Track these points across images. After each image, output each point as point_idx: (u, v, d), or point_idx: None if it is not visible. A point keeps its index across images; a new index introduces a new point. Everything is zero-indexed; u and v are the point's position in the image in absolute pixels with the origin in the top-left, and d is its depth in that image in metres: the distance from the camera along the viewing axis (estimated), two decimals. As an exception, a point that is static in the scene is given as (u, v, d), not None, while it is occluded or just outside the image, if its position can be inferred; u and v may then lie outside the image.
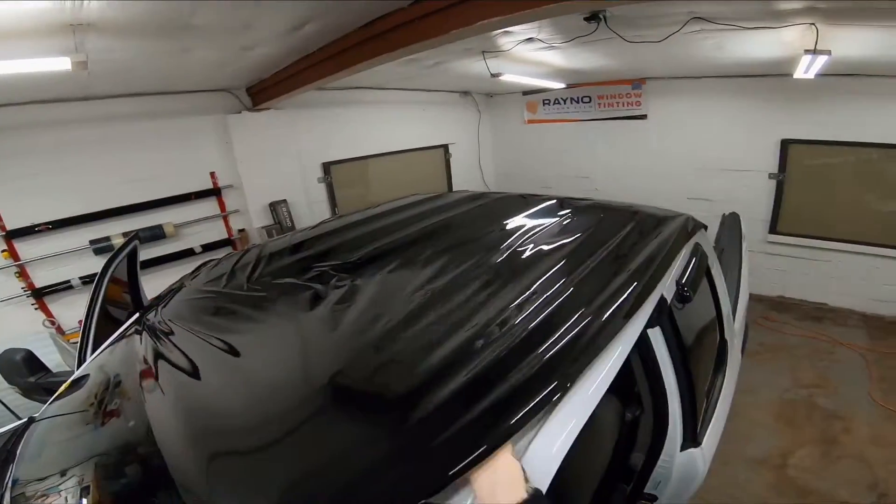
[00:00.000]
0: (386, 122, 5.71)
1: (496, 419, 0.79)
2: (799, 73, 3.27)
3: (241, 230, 4.58)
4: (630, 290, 1.18)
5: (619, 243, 1.47)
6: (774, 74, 4.22)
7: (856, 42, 2.93)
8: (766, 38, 2.95)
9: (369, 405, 0.97)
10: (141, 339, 1.47)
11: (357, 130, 5.43)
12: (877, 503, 2.50)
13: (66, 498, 1.10)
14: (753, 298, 3.58)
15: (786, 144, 4.55)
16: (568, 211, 1.87)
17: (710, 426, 1.61)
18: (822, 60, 2.90)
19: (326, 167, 5.25)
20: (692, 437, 1.47)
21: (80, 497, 1.08)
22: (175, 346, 1.32)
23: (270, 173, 4.57)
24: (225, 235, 4.51)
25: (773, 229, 4.87)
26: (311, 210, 4.97)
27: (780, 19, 2.59)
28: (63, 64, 2.14)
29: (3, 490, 1.23)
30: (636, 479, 1.48)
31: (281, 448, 0.89)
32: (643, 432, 1.47)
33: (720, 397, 1.75)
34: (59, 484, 1.16)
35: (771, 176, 4.72)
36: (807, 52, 2.79)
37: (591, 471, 1.40)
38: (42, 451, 1.40)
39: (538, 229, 1.68)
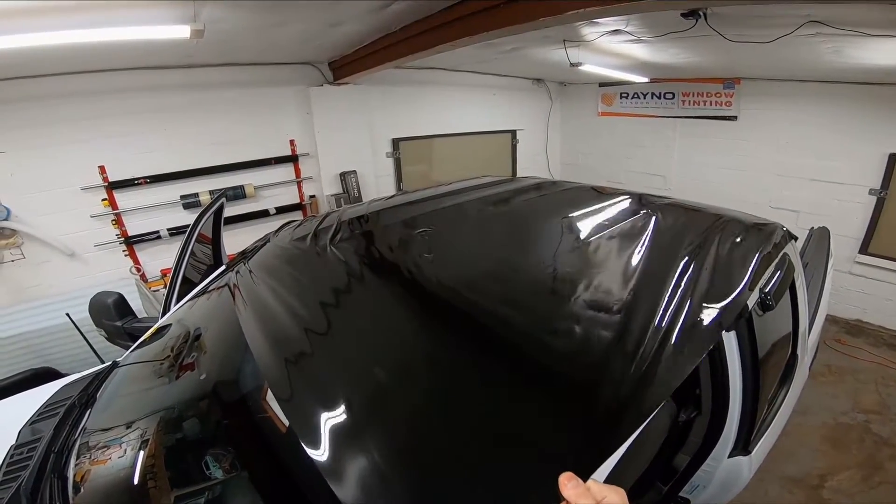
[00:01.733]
0: (456, 103, 5.73)
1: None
2: (923, 84, 2.93)
3: (312, 196, 4.83)
4: (717, 296, 1.18)
5: (703, 249, 1.41)
6: (893, 83, 3.81)
7: None
8: (893, 46, 2.66)
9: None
10: (235, 292, 1.47)
11: (427, 109, 5.51)
12: None
13: (125, 450, 1.15)
14: (829, 319, 3.41)
15: (894, 159, 4.10)
16: (647, 209, 1.78)
17: (764, 437, 1.55)
18: (952, 69, 2.59)
19: (395, 143, 5.38)
20: (744, 445, 1.43)
21: (139, 450, 1.13)
22: (280, 298, 1.31)
23: (344, 144, 4.76)
24: (297, 200, 4.77)
25: (864, 249, 4.45)
26: (377, 182, 5.15)
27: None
28: (183, 32, 2.27)
29: (76, 436, 1.29)
30: (675, 480, 1.45)
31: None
32: (695, 434, 1.44)
33: (779, 410, 1.69)
34: (123, 436, 1.21)
35: (871, 192, 4.29)
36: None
37: (633, 467, 1.38)
38: (117, 399, 1.46)
39: (615, 226, 1.64)
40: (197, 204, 4.01)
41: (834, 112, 4.38)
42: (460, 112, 5.83)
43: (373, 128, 5.04)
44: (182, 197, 4.02)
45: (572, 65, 3.92)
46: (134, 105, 3.69)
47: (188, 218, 3.91)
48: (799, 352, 1.86)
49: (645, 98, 5.81)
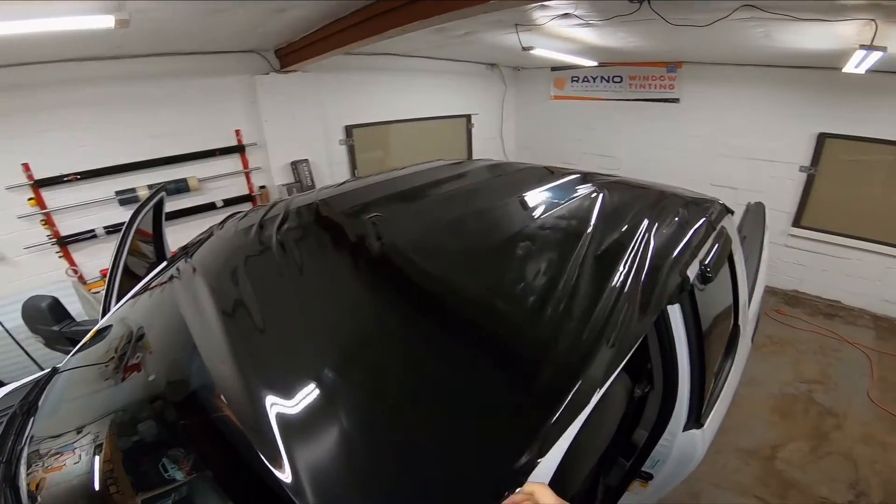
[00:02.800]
0: (410, 89, 5.65)
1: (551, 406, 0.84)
2: (849, 68, 3.14)
3: (262, 187, 4.65)
4: (659, 270, 1.21)
5: (647, 223, 1.45)
6: (820, 67, 4.07)
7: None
8: (820, 31, 2.83)
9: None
10: (177, 289, 1.42)
11: (381, 96, 5.40)
12: (854, 501, 2.55)
13: (79, 455, 1.11)
14: (768, 291, 3.56)
15: (822, 138, 4.41)
16: (594, 186, 1.82)
17: (714, 410, 1.62)
18: (875, 56, 2.78)
19: (349, 130, 5.25)
20: (696, 419, 1.49)
21: (94, 454, 1.08)
22: (222, 292, 1.27)
23: (294, 133, 4.59)
24: (246, 191, 4.57)
25: (797, 222, 4.80)
26: (331, 170, 5.01)
27: (838, 13, 2.47)
28: (106, 22, 2.15)
29: (22, 445, 1.23)
30: (637, 455, 1.51)
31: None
32: (650, 409, 1.49)
33: (726, 382, 1.77)
34: (74, 441, 1.15)
35: (802, 169, 4.61)
36: (862, 47, 2.67)
37: (594, 445, 1.43)
38: (61, 405, 1.39)
39: (565, 202, 1.67)
40: (135, 199, 3.76)
41: (769, 94, 4.64)
42: (415, 98, 5.76)
43: (324, 115, 4.88)
44: (117, 193, 3.76)
45: (524, 49, 3.94)
46: (60, 99, 3.40)
47: (125, 215, 3.61)
48: (741, 323, 1.96)
49: (595, 81, 5.93)
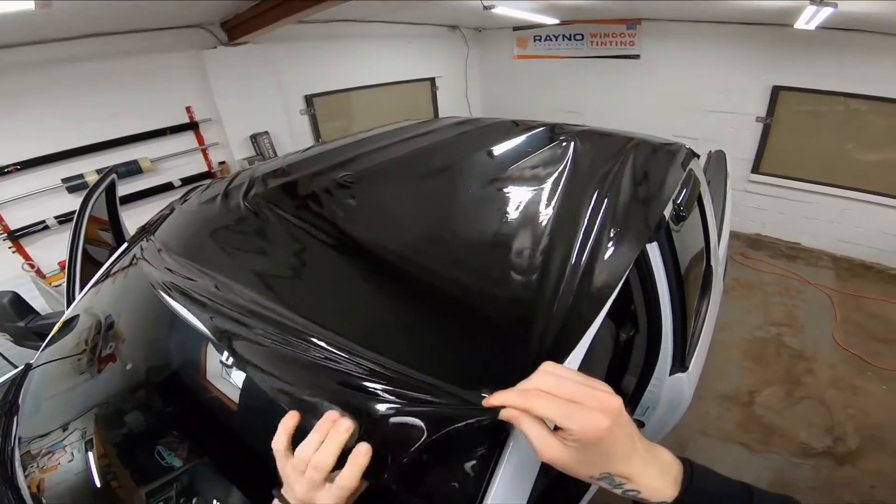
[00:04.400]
0: (371, 55, 5.46)
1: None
2: (800, 24, 3.21)
3: (222, 162, 4.46)
4: (637, 209, 1.23)
5: (619, 166, 1.45)
6: (773, 24, 4.14)
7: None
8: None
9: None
10: (142, 270, 1.31)
11: (340, 63, 5.20)
12: (832, 447, 2.63)
13: (72, 452, 1.07)
14: (732, 235, 3.64)
15: (776, 91, 4.54)
16: (564, 136, 1.79)
17: (696, 352, 1.64)
18: (826, 12, 2.83)
19: (309, 99, 5.05)
20: (681, 361, 1.49)
21: (86, 451, 1.05)
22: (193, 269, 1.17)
23: (251, 106, 4.38)
24: (205, 168, 4.38)
25: (756, 169, 4.98)
26: (293, 141, 4.84)
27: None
28: (26, 5, 1.97)
29: (11, 446, 1.19)
30: (627, 402, 1.49)
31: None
32: (636, 354, 1.48)
33: (704, 324, 1.80)
34: (64, 439, 1.12)
35: (758, 119, 4.75)
36: (812, 2, 2.70)
37: None
38: (43, 402, 1.35)
39: (536, 153, 1.65)
40: (84, 186, 3.53)
41: (726, 50, 4.72)
42: (376, 63, 5.58)
43: (282, 86, 4.66)
44: (64, 180, 3.52)
45: (485, 7, 3.83)
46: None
47: (76, 202, 3.45)
48: (713, 263, 2.02)
49: (557, 40, 5.88)
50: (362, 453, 0.59)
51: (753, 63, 4.59)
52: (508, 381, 0.60)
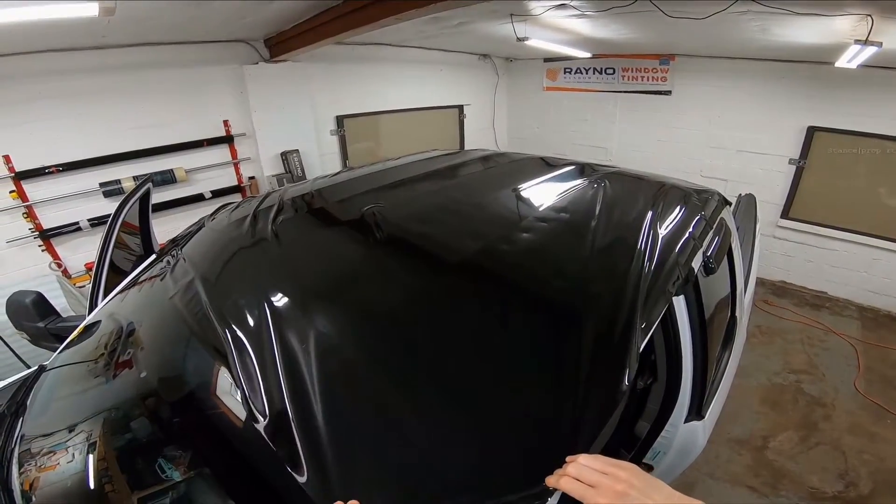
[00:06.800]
0: (402, 79, 5.57)
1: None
2: (842, 63, 3.17)
3: (252, 177, 4.56)
4: (667, 262, 1.20)
5: (651, 214, 1.44)
6: (812, 61, 4.09)
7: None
8: (816, 25, 2.83)
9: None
10: (169, 282, 1.38)
11: (372, 86, 5.32)
12: (843, 491, 2.58)
13: (73, 454, 1.09)
14: (757, 281, 3.59)
15: (812, 131, 4.45)
16: (594, 177, 1.79)
17: (714, 400, 1.62)
18: (869, 51, 2.81)
19: (340, 120, 5.17)
20: (697, 410, 1.48)
21: (87, 453, 1.06)
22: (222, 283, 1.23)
23: (284, 123, 4.51)
24: (235, 182, 4.49)
25: (786, 214, 4.85)
26: (322, 161, 4.94)
27: (836, 8, 2.48)
28: (90, 10, 2.07)
29: (13, 445, 1.21)
30: (638, 447, 1.49)
31: None
32: (652, 401, 1.47)
33: (725, 373, 1.76)
34: (67, 440, 1.13)
35: (791, 161, 4.66)
36: (857, 42, 2.68)
37: (600, 434, 1.41)
38: (51, 404, 1.36)
39: (565, 192, 1.64)
40: (120, 191, 3.66)
41: (761, 88, 4.66)
42: (406, 88, 5.68)
43: (315, 105, 4.79)
44: (102, 185, 3.65)
45: (519, 39, 3.88)
46: (42, 90, 3.27)
47: (110, 207, 3.53)
48: (738, 313, 1.96)
49: (587, 73, 5.91)
50: None
51: (788, 102, 4.52)
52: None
